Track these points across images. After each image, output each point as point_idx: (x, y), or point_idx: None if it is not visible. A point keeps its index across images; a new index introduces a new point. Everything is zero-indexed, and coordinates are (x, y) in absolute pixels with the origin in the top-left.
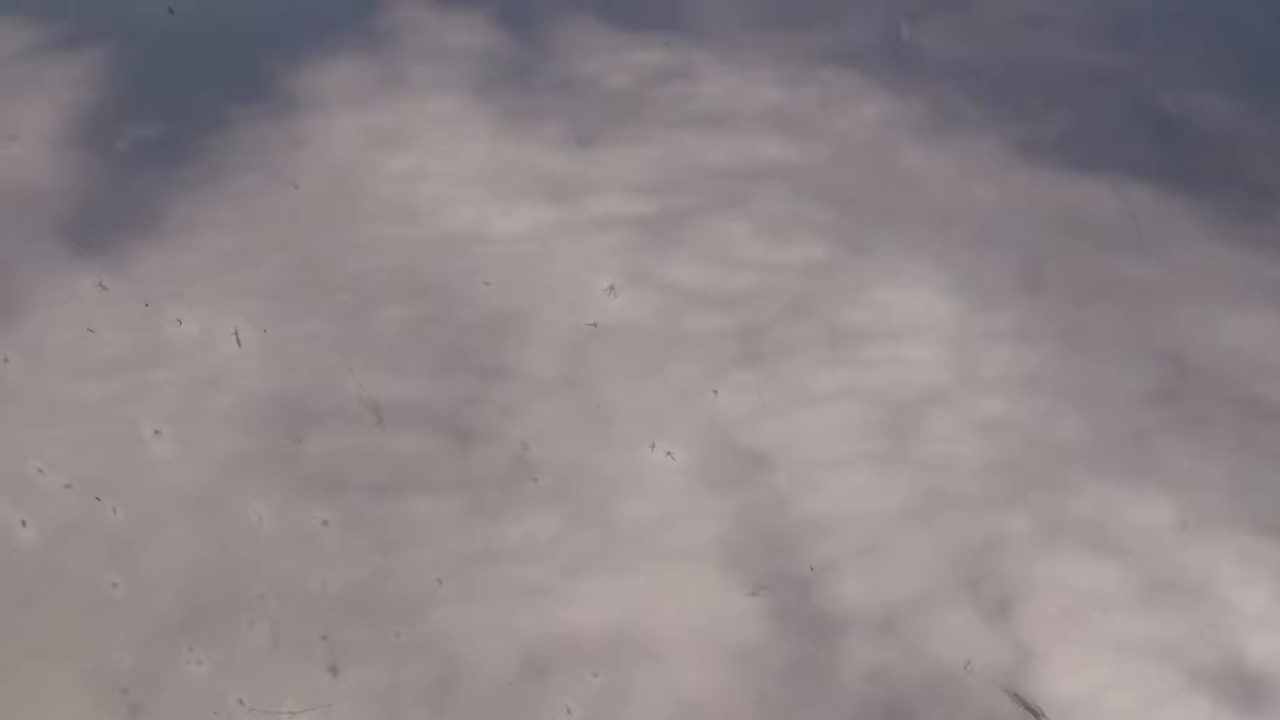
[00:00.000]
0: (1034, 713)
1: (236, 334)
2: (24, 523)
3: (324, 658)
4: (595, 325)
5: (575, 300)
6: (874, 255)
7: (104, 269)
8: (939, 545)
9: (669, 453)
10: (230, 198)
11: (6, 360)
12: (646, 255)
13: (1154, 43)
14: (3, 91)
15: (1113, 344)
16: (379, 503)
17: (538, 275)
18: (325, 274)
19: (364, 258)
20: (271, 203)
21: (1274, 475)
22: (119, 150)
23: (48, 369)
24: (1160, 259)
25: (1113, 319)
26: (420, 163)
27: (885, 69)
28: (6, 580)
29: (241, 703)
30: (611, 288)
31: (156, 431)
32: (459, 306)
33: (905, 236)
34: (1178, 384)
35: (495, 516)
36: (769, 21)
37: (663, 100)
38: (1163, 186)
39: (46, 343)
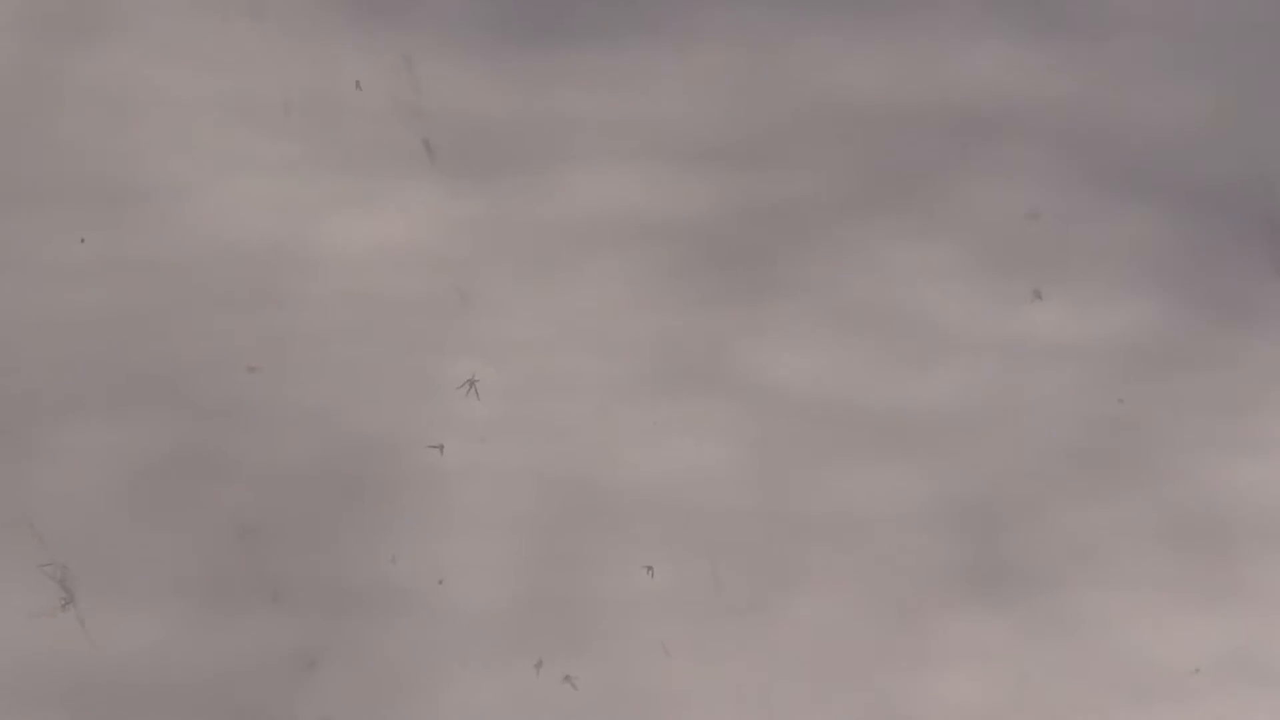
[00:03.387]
0: None
1: None
2: None
3: None
4: (440, 449)
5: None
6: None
7: None
8: None
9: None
10: None
11: None
12: (700, 313)
13: None
14: None
15: None
16: None
17: (431, 356)
18: None
19: (20, 299)
20: None
21: None
22: None
23: None
24: None
25: None
26: (132, 71)
27: None
28: None
29: None
30: (471, 383)
31: None
32: (247, 420)
33: None
34: None
35: None
36: None
37: None
38: None
39: None
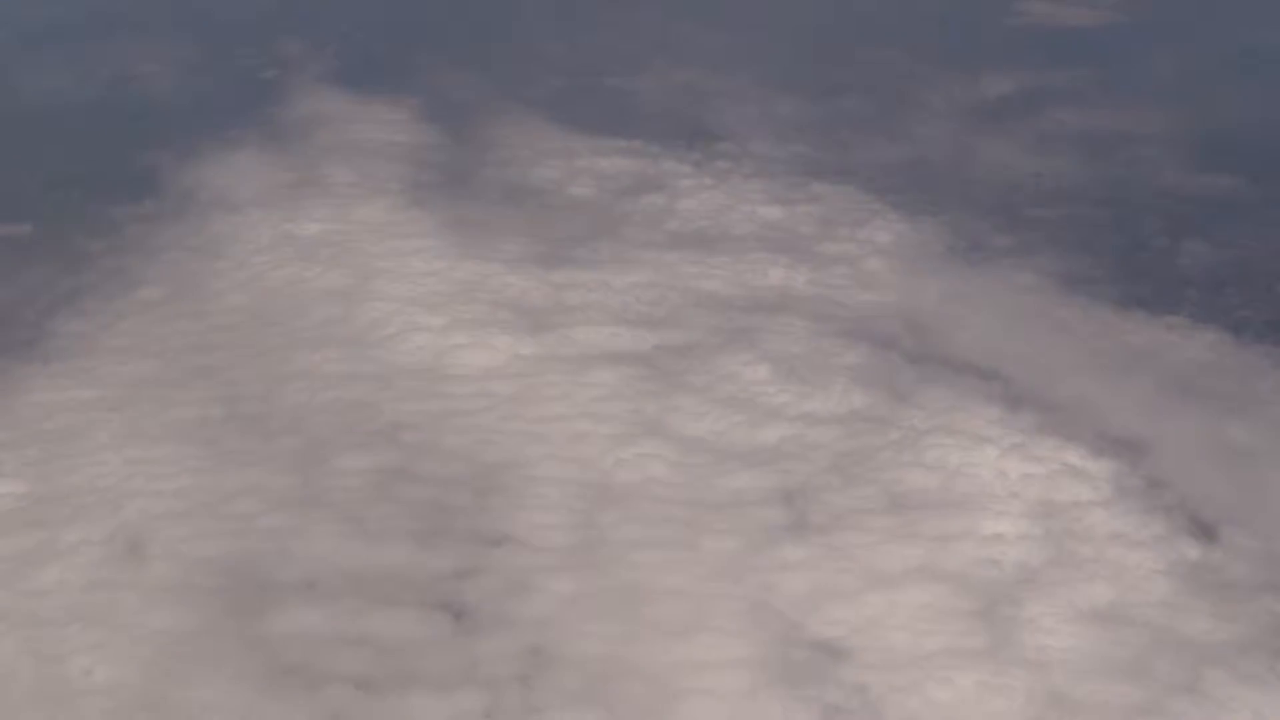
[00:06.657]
0: None
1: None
2: None
3: None
4: None
5: (576, 453)
6: (925, 405)
7: None
8: None
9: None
10: (131, 315)
11: None
12: (652, 400)
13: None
14: None
15: (1230, 522)
16: (368, 698)
17: (525, 422)
18: (263, 412)
19: (308, 394)
20: (185, 322)
21: None
22: None
23: None
24: (1261, 417)
25: (1225, 490)
26: (359, 280)
27: (886, 186)
28: None
29: None
30: None
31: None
32: (433, 457)
33: (957, 382)
34: None
35: None
36: (746, 129)
37: (638, 215)
38: (1239, 333)
39: None
